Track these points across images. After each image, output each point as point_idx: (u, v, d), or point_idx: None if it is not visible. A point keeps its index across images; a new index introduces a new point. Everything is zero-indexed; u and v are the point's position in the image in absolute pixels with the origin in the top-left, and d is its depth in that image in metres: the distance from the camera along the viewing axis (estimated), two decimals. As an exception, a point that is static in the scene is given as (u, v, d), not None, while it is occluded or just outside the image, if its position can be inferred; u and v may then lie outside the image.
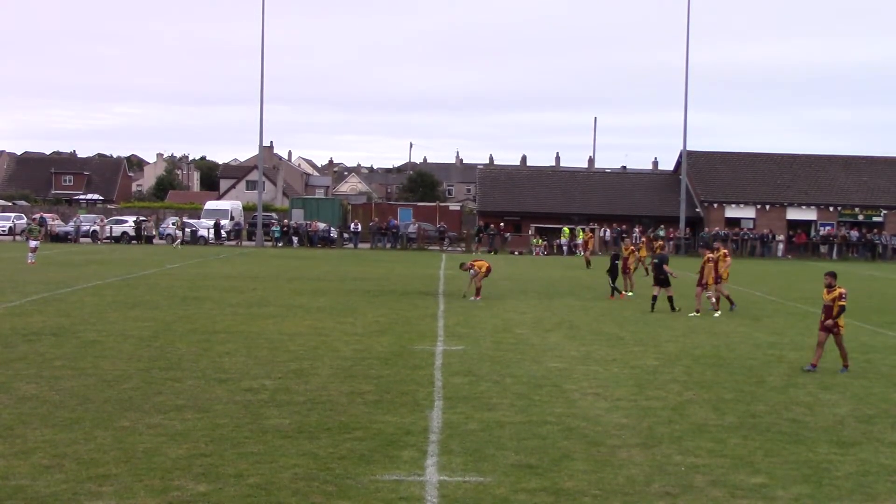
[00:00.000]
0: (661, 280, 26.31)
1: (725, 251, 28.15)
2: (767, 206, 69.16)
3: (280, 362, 16.39)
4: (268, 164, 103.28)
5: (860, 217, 68.85)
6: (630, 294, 30.63)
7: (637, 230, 66.48)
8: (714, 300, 25.88)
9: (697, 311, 25.36)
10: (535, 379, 15.40)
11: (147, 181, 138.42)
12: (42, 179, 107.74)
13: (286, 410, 12.65)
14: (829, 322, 16.52)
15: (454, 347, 18.56)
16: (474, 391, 14.29)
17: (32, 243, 41.27)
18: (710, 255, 26.64)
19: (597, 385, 15.05)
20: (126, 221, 67.46)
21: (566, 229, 64.67)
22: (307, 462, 10.22)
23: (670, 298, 26.03)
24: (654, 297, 26.07)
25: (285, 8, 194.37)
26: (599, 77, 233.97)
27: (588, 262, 46.79)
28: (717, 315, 25.23)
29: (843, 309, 16.56)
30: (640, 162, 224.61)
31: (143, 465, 9.93)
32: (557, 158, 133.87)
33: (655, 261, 27.36)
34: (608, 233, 65.29)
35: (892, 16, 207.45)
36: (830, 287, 16.67)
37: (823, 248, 65.87)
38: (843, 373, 16.61)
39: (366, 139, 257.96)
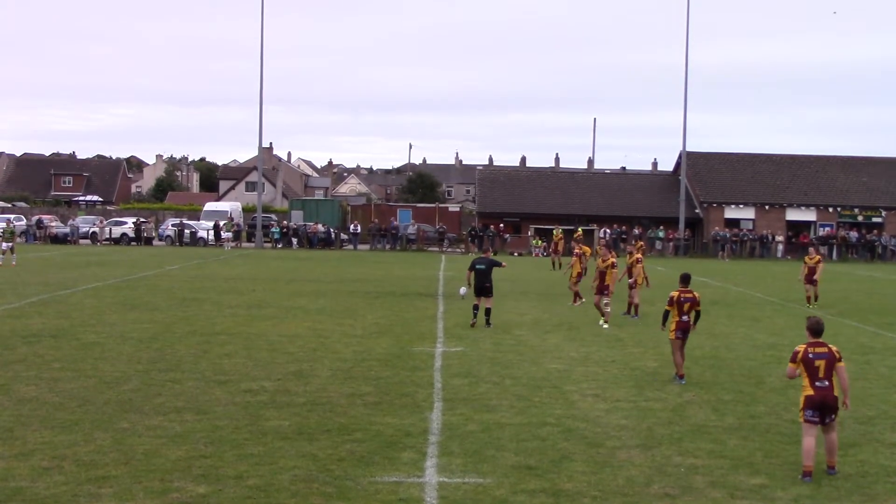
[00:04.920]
0: (486, 289, 21.89)
1: (640, 256, 26.30)
2: (767, 207, 69.18)
3: (279, 364, 16.39)
4: (267, 165, 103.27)
5: (860, 218, 68.87)
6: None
7: (637, 231, 66.52)
8: (608, 309, 22.90)
9: (605, 320, 22.75)
10: (534, 380, 15.40)
11: (146, 182, 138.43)
12: (41, 181, 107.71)
13: (286, 412, 12.66)
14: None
15: (454, 349, 18.56)
16: (474, 392, 14.30)
17: (4, 245, 41.13)
18: (614, 259, 23.52)
19: (596, 386, 15.06)
20: (125, 223, 67.45)
21: (560, 230, 64.63)
22: (307, 464, 10.22)
23: (488, 311, 21.91)
24: (476, 307, 22.01)
25: (284, 8, 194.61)
26: (599, 77, 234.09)
27: (554, 264, 46.56)
28: (604, 326, 22.46)
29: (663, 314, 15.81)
30: (639, 163, 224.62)
31: (143, 467, 9.94)
32: (557, 159, 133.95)
33: (481, 267, 22.11)
34: (608, 234, 65.30)
35: (892, 15, 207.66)
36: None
37: (823, 249, 65.89)
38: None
39: (365, 140, 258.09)
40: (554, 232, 56.63)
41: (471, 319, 22.01)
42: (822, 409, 10.19)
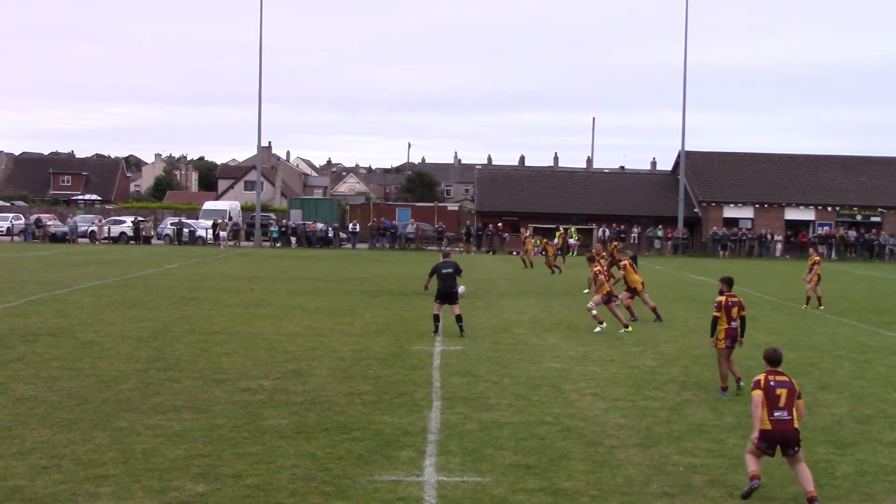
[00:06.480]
0: (453, 295, 20.26)
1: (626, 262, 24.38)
2: (766, 206, 69.19)
3: (278, 363, 16.39)
4: (266, 164, 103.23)
5: (858, 217, 68.89)
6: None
7: (636, 230, 66.57)
8: (594, 313, 21.50)
9: (602, 323, 21.53)
10: (533, 379, 15.40)
11: (145, 181, 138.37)
12: (40, 180, 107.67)
13: (284, 411, 12.65)
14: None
15: (452, 348, 18.56)
16: (472, 391, 14.29)
17: None
18: (598, 267, 22.25)
19: (595, 385, 15.06)
20: (124, 222, 67.39)
21: (561, 229, 64.71)
22: (305, 462, 10.21)
23: (459, 318, 20.25)
24: (437, 317, 20.53)
25: (283, 7, 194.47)
26: (598, 77, 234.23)
27: (525, 263, 45.79)
28: (597, 329, 21.29)
29: (712, 321, 14.72)
30: (638, 162, 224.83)
31: (141, 466, 9.93)
32: (556, 158, 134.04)
33: (449, 271, 20.30)
34: (607, 233, 65.36)
35: (892, 14, 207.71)
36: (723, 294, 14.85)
37: (822, 248, 65.95)
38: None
39: (364, 139, 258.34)
40: (572, 231, 56.66)
41: (433, 330, 20.42)
42: (783, 443, 9.33)
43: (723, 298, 14.69)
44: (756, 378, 9.61)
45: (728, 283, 14.97)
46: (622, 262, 24.74)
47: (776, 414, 9.36)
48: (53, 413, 12.25)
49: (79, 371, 15.18)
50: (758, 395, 9.42)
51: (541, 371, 16.21)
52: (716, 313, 14.59)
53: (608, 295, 21.81)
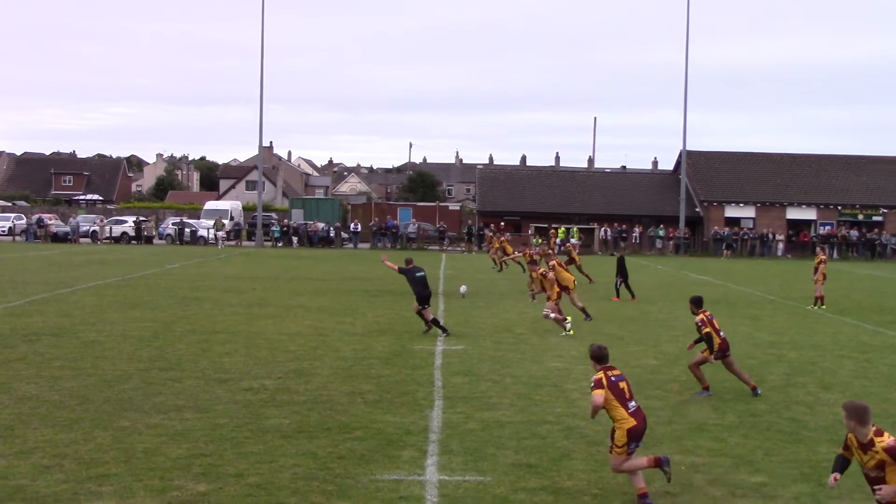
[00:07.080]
0: (426, 298, 20.48)
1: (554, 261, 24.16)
2: (767, 206, 69.15)
3: (280, 362, 16.40)
4: (267, 164, 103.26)
5: (860, 216, 68.84)
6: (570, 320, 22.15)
7: (637, 230, 66.54)
8: (553, 316, 20.93)
9: (567, 321, 20.89)
10: (534, 378, 15.40)
11: (147, 181, 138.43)
12: (42, 180, 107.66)
13: (286, 410, 12.66)
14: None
15: (454, 347, 18.56)
16: (474, 391, 14.30)
17: None
18: (542, 269, 22.18)
19: (596, 384, 15.03)
20: (126, 222, 67.38)
21: (562, 229, 64.71)
22: (307, 462, 10.22)
23: (436, 321, 20.64)
24: (421, 314, 20.65)
25: (284, 7, 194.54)
26: (598, 77, 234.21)
27: (494, 262, 45.18)
28: (563, 334, 20.54)
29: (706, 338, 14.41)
30: (639, 162, 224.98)
31: (143, 465, 9.94)
32: (557, 158, 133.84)
33: (422, 274, 20.70)
34: (609, 232, 65.39)
35: (893, 14, 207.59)
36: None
37: (826, 248, 65.83)
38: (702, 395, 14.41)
39: (365, 139, 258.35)
40: (574, 231, 56.35)
41: (424, 327, 20.49)
42: (642, 435, 9.28)
43: (701, 315, 14.47)
44: (596, 378, 9.34)
45: (697, 303, 14.80)
46: (552, 262, 24.30)
47: (631, 406, 9.24)
48: (55, 412, 12.27)
49: (80, 370, 15.19)
50: (599, 395, 9.21)
51: (542, 370, 16.21)
52: (707, 329, 14.33)
53: (559, 294, 21.44)
